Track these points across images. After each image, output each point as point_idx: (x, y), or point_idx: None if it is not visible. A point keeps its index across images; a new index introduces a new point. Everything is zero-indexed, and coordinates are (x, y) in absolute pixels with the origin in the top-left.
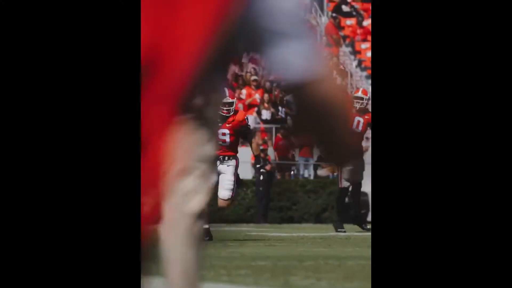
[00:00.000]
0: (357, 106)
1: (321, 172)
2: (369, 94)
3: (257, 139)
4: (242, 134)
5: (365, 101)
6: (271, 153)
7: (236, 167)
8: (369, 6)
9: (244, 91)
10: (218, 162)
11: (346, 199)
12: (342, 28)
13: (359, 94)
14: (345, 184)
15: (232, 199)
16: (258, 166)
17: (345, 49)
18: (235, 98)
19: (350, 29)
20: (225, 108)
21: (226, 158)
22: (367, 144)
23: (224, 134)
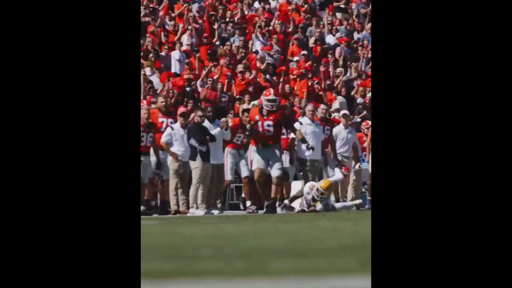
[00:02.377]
0: (271, 108)
1: None
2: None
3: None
4: (284, 124)
5: (277, 102)
6: None
7: (281, 152)
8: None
9: None
10: (263, 148)
11: None
12: None
13: (271, 96)
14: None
15: (282, 177)
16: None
17: None
18: (278, 96)
19: None
20: (270, 104)
21: (269, 146)
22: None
23: (268, 125)
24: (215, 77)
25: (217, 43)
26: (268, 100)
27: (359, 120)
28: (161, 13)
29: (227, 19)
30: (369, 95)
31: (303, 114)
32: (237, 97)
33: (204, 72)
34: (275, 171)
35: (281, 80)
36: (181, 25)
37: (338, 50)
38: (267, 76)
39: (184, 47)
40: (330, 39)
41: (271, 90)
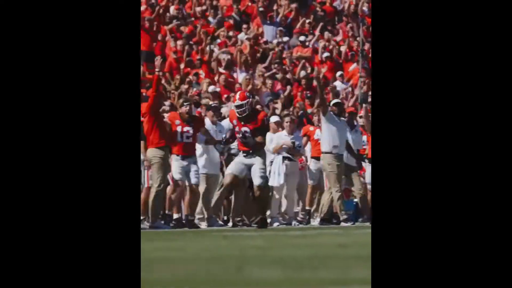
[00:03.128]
0: (241, 114)
1: None
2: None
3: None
4: (263, 131)
5: (246, 107)
6: None
7: (265, 156)
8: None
9: None
10: (245, 156)
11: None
12: None
13: (238, 101)
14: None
15: (265, 185)
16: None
17: None
18: (247, 100)
19: None
20: (238, 111)
21: (251, 151)
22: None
23: (246, 132)
24: None
25: None
26: (236, 106)
27: None
28: None
29: None
30: None
31: None
32: None
33: None
34: (256, 179)
35: None
36: None
37: None
38: None
39: None
40: None
41: (238, 95)
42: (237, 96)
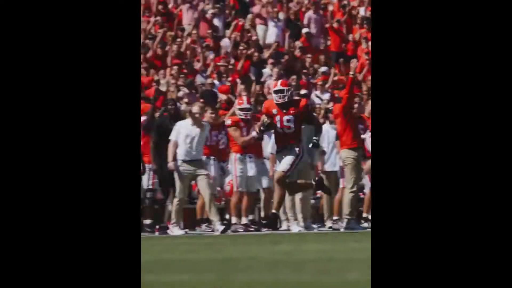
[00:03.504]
0: (279, 100)
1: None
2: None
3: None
4: (307, 119)
5: (286, 94)
6: None
7: (299, 153)
8: None
9: None
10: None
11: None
12: None
13: (279, 86)
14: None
15: (287, 172)
16: None
17: None
18: (289, 87)
19: None
20: (277, 96)
21: (289, 147)
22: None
23: (288, 121)
24: None
25: None
26: (275, 92)
27: None
28: None
29: None
30: None
31: None
32: None
33: None
34: (283, 165)
35: None
36: None
37: None
38: None
39: None
40: None
41: (279, 81)
42: (279, 83)
